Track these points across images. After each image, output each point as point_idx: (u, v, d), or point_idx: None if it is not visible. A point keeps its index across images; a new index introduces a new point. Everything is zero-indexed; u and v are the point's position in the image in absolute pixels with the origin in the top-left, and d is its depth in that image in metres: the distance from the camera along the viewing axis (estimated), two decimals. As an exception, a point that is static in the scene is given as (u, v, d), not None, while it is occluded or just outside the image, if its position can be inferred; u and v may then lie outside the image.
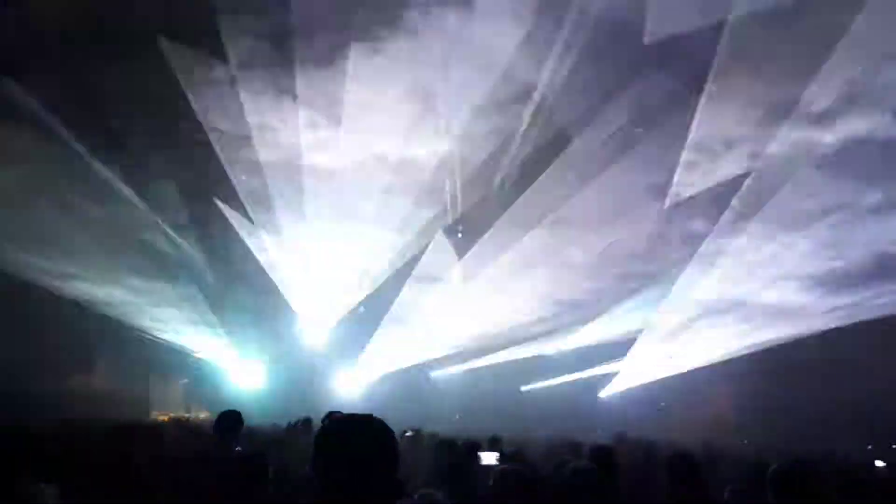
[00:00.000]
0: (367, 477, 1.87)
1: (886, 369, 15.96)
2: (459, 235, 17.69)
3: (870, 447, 14.98)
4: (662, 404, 20.51)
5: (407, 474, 4.80)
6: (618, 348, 19.44)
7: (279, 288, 18.33)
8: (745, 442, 16.06)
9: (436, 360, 20.26)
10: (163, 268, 17.56)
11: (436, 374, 20.87)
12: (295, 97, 14.68)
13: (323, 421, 3.72)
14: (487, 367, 19.92)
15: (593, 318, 19.03)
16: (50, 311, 16.06)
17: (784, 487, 3.47)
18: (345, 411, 2.28)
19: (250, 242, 17.51)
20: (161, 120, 14.48)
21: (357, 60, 13.79)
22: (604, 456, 4.17)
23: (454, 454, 4.69)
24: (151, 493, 4.21)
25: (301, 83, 14.40)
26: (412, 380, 20.12)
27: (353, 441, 1.93)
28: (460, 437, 6.37)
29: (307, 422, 8.24)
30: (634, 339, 19.00)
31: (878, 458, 9.65)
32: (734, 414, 18.94)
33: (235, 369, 19.91)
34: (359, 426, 1.98)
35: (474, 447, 4.59)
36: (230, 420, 5.12)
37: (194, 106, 14.34)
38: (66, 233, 15.23)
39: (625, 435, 10.46)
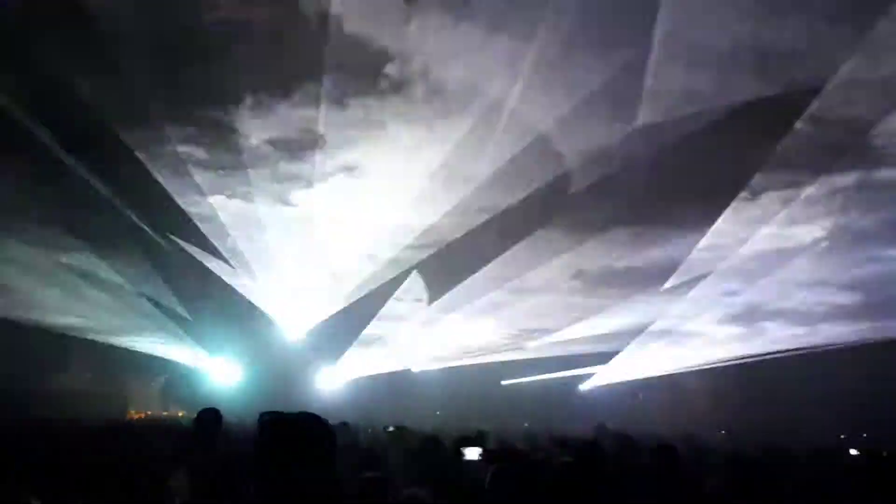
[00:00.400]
0: (301, 473, 1.89)
1: (857, 364, 16.30)
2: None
3: (842, 437, 15.27)
4: (640, 396, 20.79)
5: (392, 471, 4.76)
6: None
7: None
8: (722, 432, 16.28)
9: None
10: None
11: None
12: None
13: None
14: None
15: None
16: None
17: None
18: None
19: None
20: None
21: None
22: (590, 451, 4.17)
23: (440, 451, 4.65)
24: (131, 492, 4.14)
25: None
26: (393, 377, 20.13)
27: (287, 440, 1.94)
28: (441, 432, 6.34)
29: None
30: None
31: (852, 447, 9.83)
32: (711, 407, 19.20)
33: (212, 367, 19.71)
34: (292, 424, 1.99)
35: (461, 443, 4.55)
36: (209, 418, 5.04)
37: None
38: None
39: (605, 427, 10.49)
